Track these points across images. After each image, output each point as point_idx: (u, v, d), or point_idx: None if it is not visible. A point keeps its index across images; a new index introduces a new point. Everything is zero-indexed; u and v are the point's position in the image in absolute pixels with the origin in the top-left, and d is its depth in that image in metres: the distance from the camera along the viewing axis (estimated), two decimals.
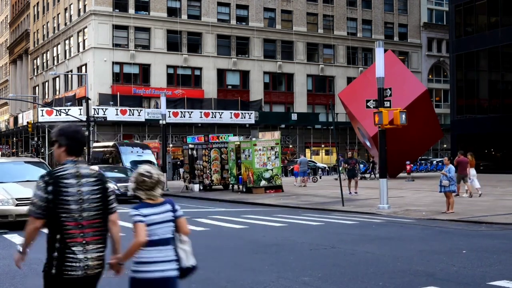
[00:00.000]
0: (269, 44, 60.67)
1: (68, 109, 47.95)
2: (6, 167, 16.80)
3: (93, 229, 4.39)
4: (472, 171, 23.86)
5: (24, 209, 13.45)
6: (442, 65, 72.58)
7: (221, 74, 58.34)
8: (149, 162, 30.78)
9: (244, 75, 59.70)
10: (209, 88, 57.19)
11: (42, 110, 50.19)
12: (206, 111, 53.79)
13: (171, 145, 50.88)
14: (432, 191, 25.05)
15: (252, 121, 55.02)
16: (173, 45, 55.74)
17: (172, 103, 51.94)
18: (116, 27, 53.25)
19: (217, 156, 31.44)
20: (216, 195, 27.83)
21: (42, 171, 14.83)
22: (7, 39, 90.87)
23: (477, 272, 8.80)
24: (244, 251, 11.08)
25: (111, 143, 34.77)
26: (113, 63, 53.05)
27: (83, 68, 54.76)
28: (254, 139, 31.08)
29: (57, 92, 62.10)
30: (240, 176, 29.26)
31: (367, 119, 29.45)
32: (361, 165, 48.91)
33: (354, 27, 66.05)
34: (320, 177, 39.94)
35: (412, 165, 38.70)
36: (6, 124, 67.53)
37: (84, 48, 55.23)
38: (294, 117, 58.07)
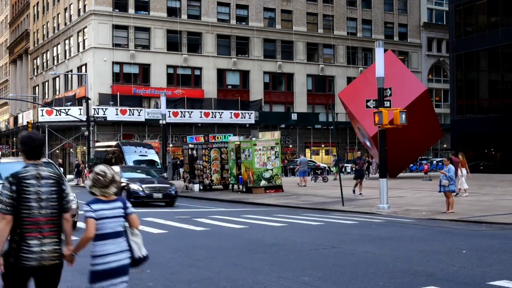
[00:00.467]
0: (269, 44, 60.67)
1: (68, 109, 47.97)
2: (11, 168, 16.63)
3: (50, 225, 4.92)
4: (462, 171, 23.86)
5: None
6: (442, 65, 72.58)
7: (221, 74, 58.33)
8: (152, 162, 30.58)
9: (244, 75, 59.70)
10: (209, 88, 57.19)
11: (42, 110, 50.19)
12: (206, 111, 53.78)
13: (171, 145, 50.88)
14: (432, 191, 25.04)
15: (252, 121, 55.02)
16: (173, 45, 55.74)
17: (172, 103, 51.94)
18: (116, 27, 53.25)
19: (217, 156, 31.44)
20: (216, 195, 27.83)
21: None
22: (7, 39, 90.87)
23: (477, 272, 8.80)
24: (244, 251, 11.08)
25: (114, 143, 34.46)
26: (113, 63, 53.05)
27: (83, 68, 54.77)
28: (254, 139, 31.07)
29: (57, 92, 62.10)
30: (240, 176, 29.26)
31: (367, 119, 29.45)
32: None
33: (354, 27, 66.05)
34: (326, 178, 39.79)
35: (428, 164, 38.38)
36: (6, 124, 67.53)
37: (84, 48, 55.23)
38: (294, 117, 58.07)
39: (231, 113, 54.24)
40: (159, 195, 22.34)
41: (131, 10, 54.11)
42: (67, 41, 59.96)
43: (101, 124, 48.58)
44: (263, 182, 28.00)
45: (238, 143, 30.12)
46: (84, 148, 50.10)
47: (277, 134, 30.21)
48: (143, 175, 24.47)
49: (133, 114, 50.30)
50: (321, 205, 21.91)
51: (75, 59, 57.15)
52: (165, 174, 32.76)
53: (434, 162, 56.38)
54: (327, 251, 10.96)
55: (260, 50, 59.94)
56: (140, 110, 50.98)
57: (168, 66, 55.76)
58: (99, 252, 5.14)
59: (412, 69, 62.04)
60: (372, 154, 44.46)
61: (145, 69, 54.97)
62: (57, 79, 62.19)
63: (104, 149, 35.13)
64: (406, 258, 10.04)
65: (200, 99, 56.37)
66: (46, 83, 66.68)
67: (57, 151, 57.46)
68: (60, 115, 47.38)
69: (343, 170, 46.86)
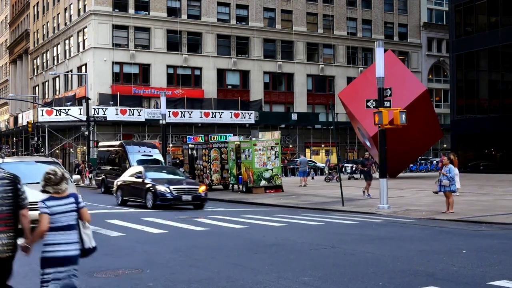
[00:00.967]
0: (269, 44, 60.67)
1: (68, 109, 47.97)
2: (15, 168, 14.99)
3: (5, 221, 5.45)
4: (455, 171, 24.45)
5: (33, 214, 13.14)
6: (442, 65, 72.58)
7: (221, 74, 58.34)
8: (157, 162, 30.00)
9: (244, 75, 59.70)
10: (209, 88, 57.19)
11: (42, 110, 50.19)
12: (206, 111, 53.79)
13: (171, 145, 50.87)
14: (432, 191, 25.05)
15: (252, 121, 55.02)
16: (173, 45, 55.74)
17: (172, 103, 51.94)
18: (116, 27, 53.25)
19: (217, 156, 31.44)
20: (216, 195, 27.81)
21: None
22: (7, 39, 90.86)
23: (477, 272, 8.80)
24: (244, 251, 11.08)
25: (117, 143, 33.79)
26: (113, 63, 53.05)
27: (83, 68, 54.77)
28: (254, 139, 31.06)
29: (57, 92, 62.10)
30: (240, 176, 29.26)
31: (367, 119, 29.45)
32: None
33: (354, 27, 66.06)
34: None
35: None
36: (6, 124, 67.52)
37: (84, 48, 55.23)
38: (294, 117, 58.07)
39: (231, 113, 54.25)
40: (188, 197, 20.73)
41: (131, 10, 54.12)
42: (67, 41, 59.96)
43: (101, 124, 48.58)
44: (263, 182, 28.00)
45: (238, 143, 30.12)
46: (84, 148, 50.10)
47: (277, 134, 30.21)
48: (169, 176, 22.92)
49: (133, 114, 50.31)
50: (321, 205, 21.91)
51: (75, 59, 57.15)
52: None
53: (434, 162, 56.39)
54: (327, 251, 10.96)
55: (260, 50, 59.94)
56: (140, 110, 50.99)
57: (168, 66, 55.76)
58: (49, 241, 5.70)
59: (412, 69, 62.05)
60: (372, 154, 44.45)
61: (145, 69, 54.97)
62: (57, 79, 62.20)
63: (107, 149, 34.36)
64: (406, 258, 10.03)
65: (200, 99, 56.38)
66: (46, 83, 66.68)
67: (57, 151, 57.46)
68: (60, 115, 47.38)
69: (343, 170, 46.80)
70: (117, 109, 49.81)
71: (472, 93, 49.60)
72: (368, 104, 19.70)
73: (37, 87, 69.61)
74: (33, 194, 13.35)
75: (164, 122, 37.31)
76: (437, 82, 72.85)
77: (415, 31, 70.54)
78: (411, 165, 52.49)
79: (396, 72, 34.20)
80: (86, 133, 43.39)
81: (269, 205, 22.67)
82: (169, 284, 8.21)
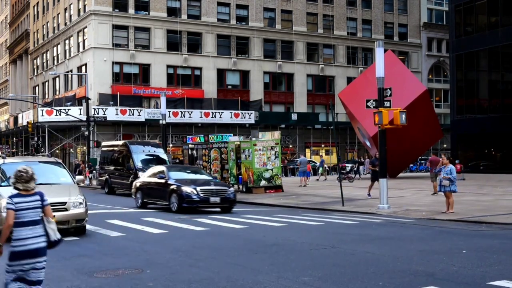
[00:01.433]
0: (269, 44, 60.67)
1: (68, 109, 47.96)
2: (15, 168, 15.73)
3: None
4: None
5: None
6: (442, 65, 72.58)
7: (221, 74, 58.34)
8: (162, 161, 29.38)
9: (244, 75, 59.70)
10: (209, 88, 57.19)
11: (42, 110, 50.19)
12: (206, 111, 53.79)
13: (171, 145, 50.86)
14: (432, 191, 25.06)
15: (252, 121, 55.02)
16: (173, 45, 55.74)
17: (172, 103, 51.95)
18: (116, 27, 53.26)
19: (217, 156, 31.42)
20: None
21: (58, 173, 14.38)
22: (7, 39, 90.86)
23: (477, 272, 8.80)
24: (244, 251, 11.08)
25: (121, 142, 32.98)
26: (113, 63, 53.05)
27: (83, 68, 54.77)
28: (254, 139, 31.05)
29: (57, 92, 62.10)
30: (240, 176, 29.24)
31: (367, 119, 29.46)
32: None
33: (354, 27, 66.05)
34: (351, 178, 38.76)
35: (461, 164, 38.06)
36: (6, 124, 67.52)
37: (84, 48, 55.24)
38: (294, 117, 58.07)
39: (231, 113, 54.24)
40: (217, 199, 19.12)
41: (131, 10, 54.12)
42: (67, 41, 59.96)
43: (101, 124, 48.58)
44: (263, 182, 27.99)
45: (238, 143, 30.10)
46: (84, 148, 50.10)
47: (277, 134, 30.20)
48: (194, 176, 21.36)
49: (133, 114, 50.31)
50: (321, 205, 21.90)
51: (75, 59, 57.15)
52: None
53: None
54: (327, 251, 10.96)
55: (260, 50, 59.94)
56: (140, 110, 50.98)
57: (168, 66, 55.76)
58: (17, 236, 6.04)
59: (412, 69, 62.05)
60: (372, 154, 44.46)
61: (145, 69, 54.97)
62: (57, 79, 62.20)
63: (110, 148, 33.53)
64: (406, 258, 10.04)
65: (200, 99, 56.38)
66: (46, 83, 66.68)
67: (57, 151, 57.46)
68: (60, 115, 47.38)
69: (343, 170, 46.75)
70: (117, 109, 49.80)
71: (472, 93, 49.61)
72: (368, 104, 19.71)
73: (37, 87, 69.61)
74: None
75: (164, 122, 37.30)
76: (437, 82, 72.85)
77: (415, 31, 70.53)
78: (411, 165, 52.51)
79: (396, 72, 34.21)
80: (86, 133, 43.39)
81: (269, 205, 22.67)
82: (169, 284, 8.21)
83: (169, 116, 47.71)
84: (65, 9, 60.51)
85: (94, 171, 40.96)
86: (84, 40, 55.45)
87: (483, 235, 13.27)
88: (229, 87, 59.22)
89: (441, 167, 18.53)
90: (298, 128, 59.63)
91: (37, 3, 70.00)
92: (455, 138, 50.07)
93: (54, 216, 6.60)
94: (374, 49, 29.00)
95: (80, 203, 13.08)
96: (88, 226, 14.16)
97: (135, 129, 52.10)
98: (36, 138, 50.82)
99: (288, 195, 26.82)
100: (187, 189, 19.00)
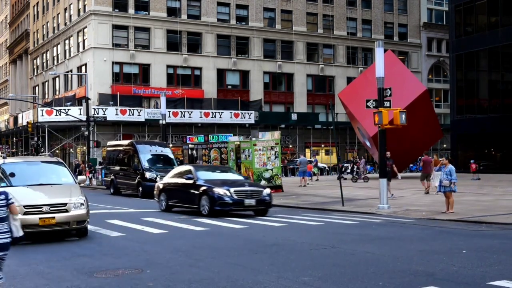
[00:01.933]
0: (269, 44, 60.66)
1: (68, 109, 47.95)
2: (19, 168, 14.47)
3: None
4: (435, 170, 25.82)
5: (33, 218, 12.06)
6: (442, 65, 72.57)
7: (221, 74, 58.33)
8: (169, 161, 28.49)
9: (244, 75, 59.69)
10: (209, 88, 57.18)
11: (42, 110, 50.17)
12: (206, 111, 53.78)
13: (171, 145, 50.71)
14: (432, 191, 25.06)
15: (252, 121, 55.01)
16: (173, 45, 55.73)
17: (172, 103, 51.95)
18: (116, 27, 53.25)
19: (217, 156, 31.44)
20: None
21: (60, 173, 14.26)
22: (7, 39, 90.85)
23: (477, 272, 8.81)
24: (244, 251, 11.08)
25: (126, 142, 32.06)
26: (113, 63, 53.05)
27: (83, 68, 54.77)
28: (254, 139, 31.05)
29: (57, 92, 62.10)
30: None
31: (367, 119, 29.45)
32: (368, 166, 48.76)
33: (354, 27, 66.04)
34: (366, 178, 38.54)
35: (476, 164, 37.96)
36: (6, 124, 67.51)
37: (84, 48, 55.23)
38: (294, 117, 58.06)
39: (231, 113, 54.23)
40: (252, 202, 17.60)
41: (131, 10, 54.11)
42: (67, 41, 59.95)
43: (101, 124, 48.56)
44: (263, 182, 27.95)
45: (238, 143, 30.12)
46: (84, 148, 50.08)
47: (277, 134, 30.21)
48: (225, 176, 19.79)
49: (133, 114, 50.30)
50: (321, 205, 21.90)
51: (75, 59, 57.14)
52: None
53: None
54: (327, 251, 10.96)
55: (260, 50, 59.94)
56: (140, 110, 50.98)
57: (168, 66, 55.75)
58: None
59: (412, 69, 62.04)
60: (371, 154, 44.46)
61: (145, 69, 54.97)
62: (57, 79, 62.19)
63: (116, 148, 32.60)
64: (406, 258, 10.04)
65: (200, 99, 56.37)
66: (46, 83, 66.68)
67: (57, 151, 57.45)
68: (60, 115, 47.36)
69: (343, 170, 46.76)
70: (117, 109, 49.80)
71: (472, 93, 49.61)
72: (368, 104, 19.71)
73: (37, 87, 69.60)
74: (34, 196, 12.70)
75: (164, 122, 37.31)
76: (437, 82, 72.84)
77: (415, 31, 70.53)
78: (411, 165, 52.49)
79: (396, 72, 34.21)
80: (86, 133, 43.37)
81: None
82: (169, 284, 8.21)
83: (169, 116, 47.71)
84: (65, 9, 60.50)
85: (94, 171, 40.96)
86: (84, 40, 55.45)
87: (483, 235, 13.28)
88: (229, 87, 59.22)
89: (440, 167, 18.53)
90: (298, 128, 59.63)
91: (37, 3, 69.99)
92: (455, 138, 50.06)
93: (18, 213, 7.57)
94: (374, 49, 29.00)
95: (81, 204, 12.72)
96: (88, 226, 14.14)
97: (135, 129, 52.09)
98: (36, 138, 50.81)
99: (288, 195, 26.81)
100: (219, 190, 17.51)
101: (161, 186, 20.46)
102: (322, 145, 62.55)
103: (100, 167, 40.19)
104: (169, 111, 47.86)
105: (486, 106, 48.35)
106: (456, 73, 50.75)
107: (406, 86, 35.07)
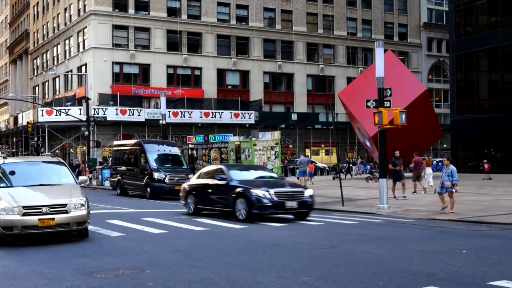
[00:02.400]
0: (269, 44, 60.67)
1: (68, 109, 47.95)
2: (19, 168, 14.31)
3: None
4: (428, 170, 27.00)
5: (32, 219, 11.89)
6: (442, 65, 72.58)
7: (221, 74, 58.33)
8: (178, 161, 28.01)
9: (244, 75, 59.70)
10: (209, 88, 57.19)
11: (42, 110, 50.17)
12: (206, 111, 53.78)
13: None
14: (429, 191, 25.07)
15: (252, 121, 55.01)
16: (173, 45, 55.73)
17: (172, 103, 51.95)
18: (116, 27, 53.25)
19: (217, 156, 31.45)
20: None
21: (61, 173, 14.21)
22: (7, 39, 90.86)
23: (477, 272, 8.80)
24: (244, 251, 11.07)
25: (133, 141, 31.16)
26: (113, 63, 53.05)
27: (83, 68, 54.77)
28: (254, 139, 31.05)
29: (57, 92, 62.10)
30: None
31: (367, 119, 29.45)
32: (368, 166, 48.72)
33: (354, 27, 66.05)
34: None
35: (489, 164, 37.98)
36: (6, 124, 67.51)
37: (84, 48, 55.24)
38: (294, 117, 58.06)
39: (231, 113, 54.23)
40: (293, 204, 16.05)
41: (131, 10, 54.11)
42: (67, 41, 59.96)
43: (101, 124, 48.56)
44: None
45: (238, 143, 30.13)
46: (84, 148, 50.08)
47: (277, 134, 30.22)
48: (261, 175, 18.08)
49: (133, 114, 50.30)
50: (321, 205, 21.87)
51: (75, 59, 57.15)
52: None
53: (434, 162, 56.38)
54: (327, 251, 10.96)
55: (260, 50, 59.94)
56: (140, 110, 50.98)
57: (168, 66, 55.76)
58: None
59: (412, 69, 62.04)
60: (371, 154, 44.44)
61: (145, 69, 54.97)
62: (57, 79, 62.20)
63: (122, 148, 31.80)
64: (406, 258, 10.04)
65: (200, 99, 56.38)
66: (46, 83, 66.68)
67: (57, 151, 57.46)
68: (60, 115, 47.36)
69: (343, 170, 46.75)
70: (117, 109, 49.80)
71: (472, 93, 49.60)
72: (368, 104, 19.71)
73: (37, 87, 69.60)
74: (33, 196, 12.55)
75: (164, 122, 37.31)
76: (437, 82, 72.86)
77: (415, 31, 70.53)
78: (411, 165, 52.41)
79: (396, 72, 34.21)
80: (86, 133, 43.37)
81: None
82: (169, 284, 8.21)
83: (169, 116, 47.70)
84: (65, 9, 60.51)
85: (94, 171, 40.95)
86: (84, 40, 55.45)
87: (483, 235, 13.27)
88: (229, 87, 59.22)
89: (441, 167, 18.52)
90: (298, 128, 59.63)
91: (37, 3, 70.00)
92: (455, 138, 50.06)
93: None
94: (374, 49, 29.00)
95: (82, 205, 12.52)
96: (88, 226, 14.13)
97: (135, 129, 52.09)
98: (36, 138, 50.82)
99: None
100: (257, 192, 15.87)
101: (187, 188, 18.82)
102: (322, 145, 62.55)
103: (100, 167, 40.20)
104: (169, 111, 47.86)
105: (486, 106, 48.35)
106: (456, 73, 50.75)
107: (406, 86, 35.06)
